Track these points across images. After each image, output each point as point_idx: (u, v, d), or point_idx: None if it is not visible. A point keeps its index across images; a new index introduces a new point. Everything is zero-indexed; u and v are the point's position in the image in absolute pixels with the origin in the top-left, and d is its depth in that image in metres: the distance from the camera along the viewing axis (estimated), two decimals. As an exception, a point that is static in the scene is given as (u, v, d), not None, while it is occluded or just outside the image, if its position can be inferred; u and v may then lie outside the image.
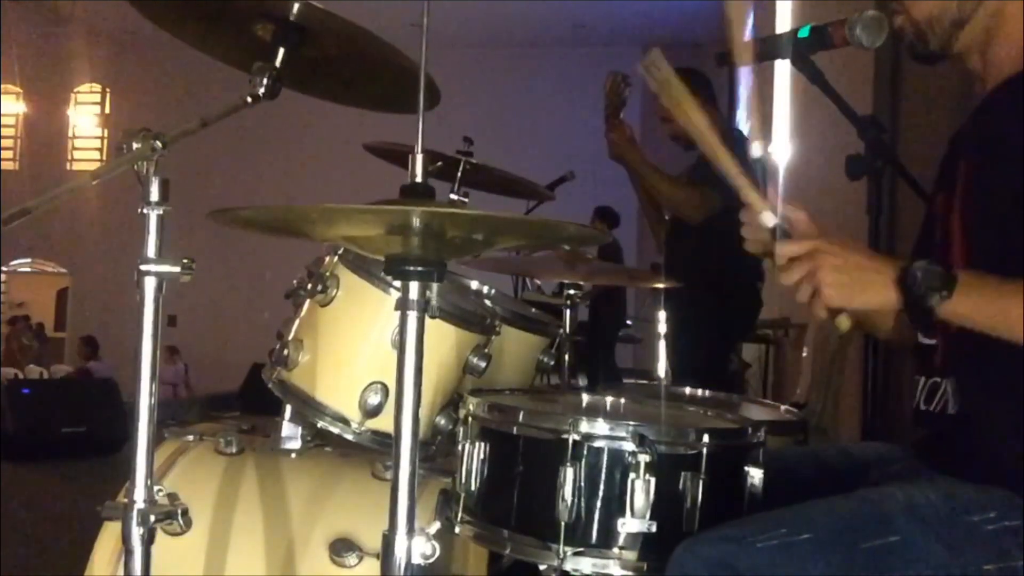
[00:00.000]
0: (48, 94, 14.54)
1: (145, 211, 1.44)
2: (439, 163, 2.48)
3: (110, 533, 1.79)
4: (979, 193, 1.39)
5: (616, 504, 1.31)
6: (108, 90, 14.86)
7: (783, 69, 6.43)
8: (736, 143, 4.20)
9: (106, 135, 14.80)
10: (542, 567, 1.36)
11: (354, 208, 1.16)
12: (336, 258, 1.83)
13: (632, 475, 1.30)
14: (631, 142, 3.55)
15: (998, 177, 1.35)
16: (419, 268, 1.25)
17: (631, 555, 1.31)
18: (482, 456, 1.42)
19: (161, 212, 1.44)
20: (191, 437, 1.96)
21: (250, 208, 1.20)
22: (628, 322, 6.02)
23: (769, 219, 1.37)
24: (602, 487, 1.32)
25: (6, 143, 14.93)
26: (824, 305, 1.27)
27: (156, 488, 1.47)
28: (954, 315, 1.24)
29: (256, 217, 1.31)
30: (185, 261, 1.45)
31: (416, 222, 1.18)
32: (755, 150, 1.51)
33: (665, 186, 3.63)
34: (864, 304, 1.29)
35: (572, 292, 2.39)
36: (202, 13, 1.67)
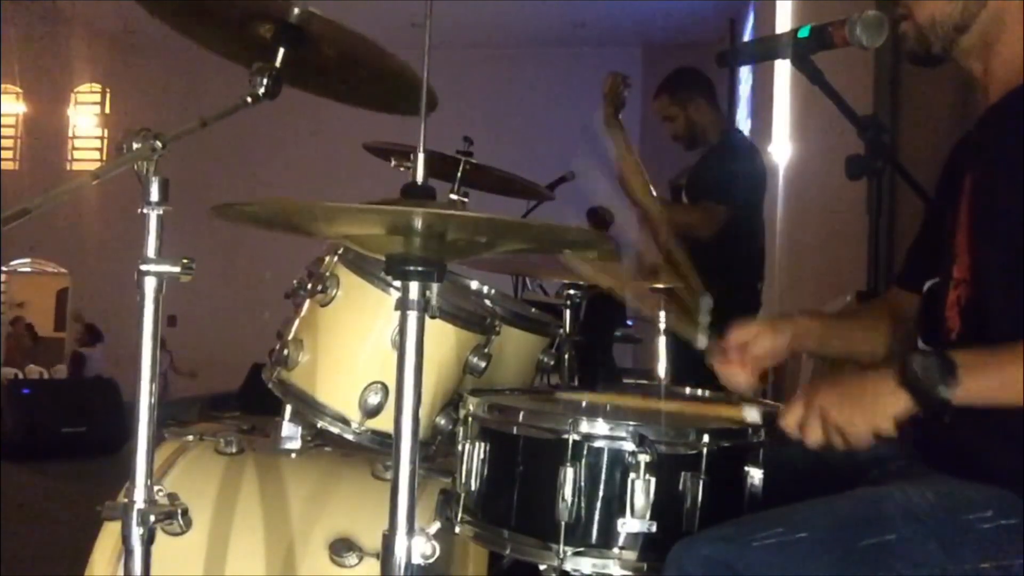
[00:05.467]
0: (48, 94, 14.52)
1: (145, 211, 1.44)
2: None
3: (110, 533, 1.79)
4: (985, 206, 1.38)
5: (616, 504, 1.32)
6: (108, 90, 14.84)
7: (783, 69, 6.43)
8: (735, 143, 4.24)
9: (106, 135, 14.78)
10: (542, 567, 1.36)
11: (357, 207, 1.16)
12: (336, 258, 1.83)
13: (632, 475, 1.30)
14: (637, 173, 3.59)
15: (1005, 190, 1.34)
16: (419, 268, 1.25)
17: (631, 555, 1.32)
18: (482, 456, 1.42)
19: (161, 212, 1.45)
20: (191, 437, 1.97)
21: (253, 203, 1.20)
22: (628, 322, 6.00)
23: (752, 414, 1.42)
24: (602, 487, 1.33)
25: (6, 143, 14.92)
26: (856, 439, 1.28)
27: (156, 488, 1.47)
28: (969, 398, 1.23)
29: (258, 213, 1.31)
30: (185, 261, 1.45)
31: (418, 223, 1.18)
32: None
33: (671, 215, 3.67)
34: (886, 418, 1.27)
35: (572, 292, 2.39)
36: (204, 10, 1.67)
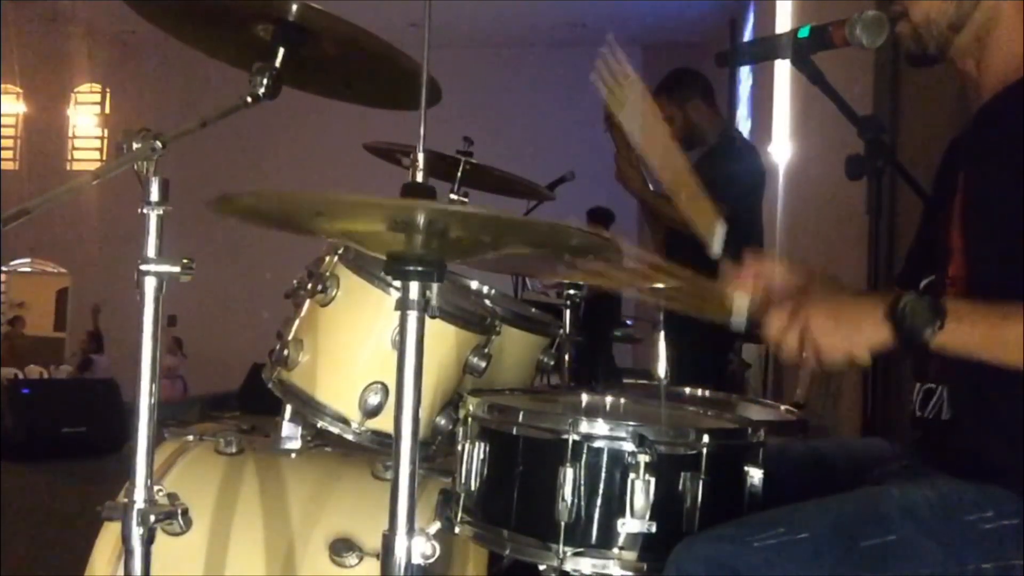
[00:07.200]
0: (48, 94, 14.53)
1: (145, 211, 1.44)
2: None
3: (110, 533, 1.79)
4: (978, 204, 1.38)
5: (616, 504, 1.31)
6: (108, 90, 14.85)
7: (783, 69, 6.43)
8: (734, 144, 4.24)
9: (106, 135, 14.79)
10: (542, 567, 1.36)
11: (357, 200, 1.15)
12: (336, 258, 1.83)
13: (632, 475, 1.30)
14: (636, 168, 3.61)
15: (997, 187, 1.35)
16: (419, 268, 1.25)
17: (631, 555, 1.31)
18: (482, 456, 1.42)
19: (161, 212, 1.45)
20: (191, 437, 1.96)
21: (253, 195, 1.19)
22: (628, 322, 6.00)
23: (741, 302, 1.40)
24: (602, 487, 1.32)
25: (6, 143, 14.93)
26: (829, 359, 1.28)
27: (156, 488, 1.48)
28: (948, 345, 1.24)
29: (258, 206, 1.30)
30: (185, 261, 1.45)
31: (420, 219, 1.18)
32: (715, 246, 1.52)
33: (671, 211, 3.68)
34: (859, 345, 1.27)
35: (572, 292, 2.39)
36: (201, 14, 1.67)
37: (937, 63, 1.52)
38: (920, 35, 1.49)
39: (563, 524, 1.31)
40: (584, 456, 1.33)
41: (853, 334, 1.27)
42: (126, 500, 1.44)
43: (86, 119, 15.11)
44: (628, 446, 1.31)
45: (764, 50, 2.14)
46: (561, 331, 2.16)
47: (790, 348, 1.30)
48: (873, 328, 1.26)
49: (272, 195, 1.22)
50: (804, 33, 1.91)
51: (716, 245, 1.54)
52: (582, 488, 1.32)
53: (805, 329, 1.28)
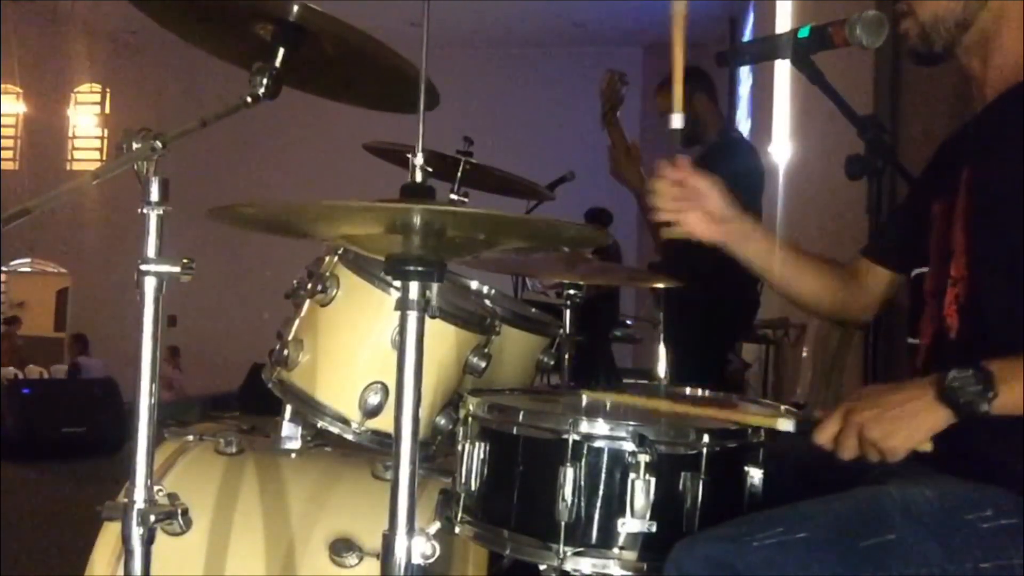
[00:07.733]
0: (48, 94, 14.53)
1: (145, 211, 1.44)
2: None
3: (110, 533, 1.79)
4: (983, 203, 1.38)
5: (616, 504, 1.32)
6: (108, 90, 14.85)
7: (783, 69, 6.44)
8: (734, 143, 4.24)
9: (106, 135, 14.80)
10: (542, 567, 1.36)
11: (354, 205, 1.16)
12: (336, 258, 1.83)
13: (632, 475, 1.30)
14: (633, 161, 3.60)
15: (1003, 186, 1.34)
16: (419, 268, 1.25)
17: (631, 555, 1.32)
18: (482, 456, 1.42)
19: (161, 212, 1.44)
20: (191, 437, 1.96)
21: (251, 204, 1.20)
22: (628, 321, 6.01)
23: (786, 425, 1.39)
24: (602, 487, 1.32)
25: (6, 143, 14.93)
26: (893, 454, 1.28)
27: (156, 488, 1.47)
28: (1007, 408, 1.23)
29: (256, 215, 1.31)
30: (185, 261, 1.45)
31: (417, 220, 1.18)
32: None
33: None
34: (925, 434, 1.27)
35: (572, 292, 2.39)
36: (202, 12, 1.67)
37: (942, 61, 1.52)
38: (927, 34, 1.48)
39: (563, 524, 1.32)
40: (584, 456, 1.33)
41: (912, 429, 1.27)
42: (126, 500, 1.44)
43: (86, 119, 15.11)
44: (628, 446, 1.31)
45: (764, 50, 2.14)
46: (561, 331, 2.16)
47: (850, 453, 1.30)
48: (928, 415, 1.26)
49: (267, 204, 1.22)
50: (804, 33, 1.91)
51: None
52: (582, 488, 1.32)
53: (861, 434, 1.28)
